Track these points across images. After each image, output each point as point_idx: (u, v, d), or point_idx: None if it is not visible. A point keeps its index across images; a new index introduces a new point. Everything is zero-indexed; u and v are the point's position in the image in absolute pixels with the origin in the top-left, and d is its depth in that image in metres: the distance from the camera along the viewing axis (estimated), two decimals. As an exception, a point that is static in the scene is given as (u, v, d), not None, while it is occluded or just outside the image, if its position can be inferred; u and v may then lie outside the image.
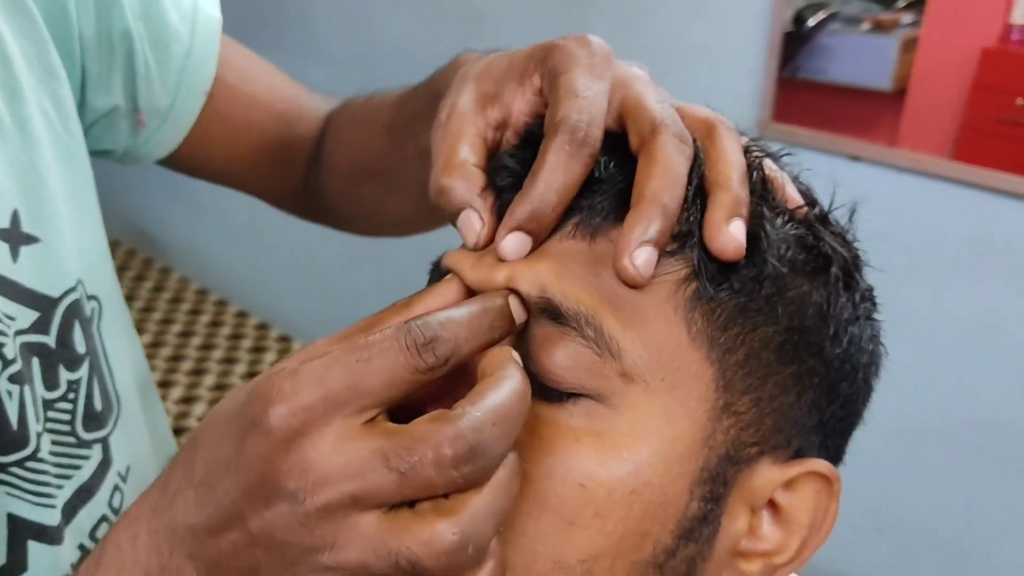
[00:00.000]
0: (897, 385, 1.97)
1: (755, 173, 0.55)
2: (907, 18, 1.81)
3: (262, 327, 3.88)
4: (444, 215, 0.56)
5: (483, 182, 0.55)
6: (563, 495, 0.50)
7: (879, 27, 1.85)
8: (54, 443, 0.71)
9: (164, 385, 3.46)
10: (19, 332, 0.68)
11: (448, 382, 0.49)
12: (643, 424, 0.51)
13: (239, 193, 0.99)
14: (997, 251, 1.83)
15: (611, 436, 0.51)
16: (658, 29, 2.16)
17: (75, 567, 0.57)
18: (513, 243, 0.52)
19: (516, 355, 0.46)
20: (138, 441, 0.83)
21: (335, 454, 0.42)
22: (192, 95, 0.85)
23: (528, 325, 0.52)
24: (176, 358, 3.68)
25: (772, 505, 0.56)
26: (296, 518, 0.42)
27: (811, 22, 1.92)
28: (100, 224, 0.79)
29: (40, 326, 0.70)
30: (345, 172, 0.92)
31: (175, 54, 0.83)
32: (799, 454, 0.56)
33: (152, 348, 3.69)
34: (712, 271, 0.52)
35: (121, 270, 4.20)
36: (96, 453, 0.76)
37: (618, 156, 0.53)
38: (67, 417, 0.73)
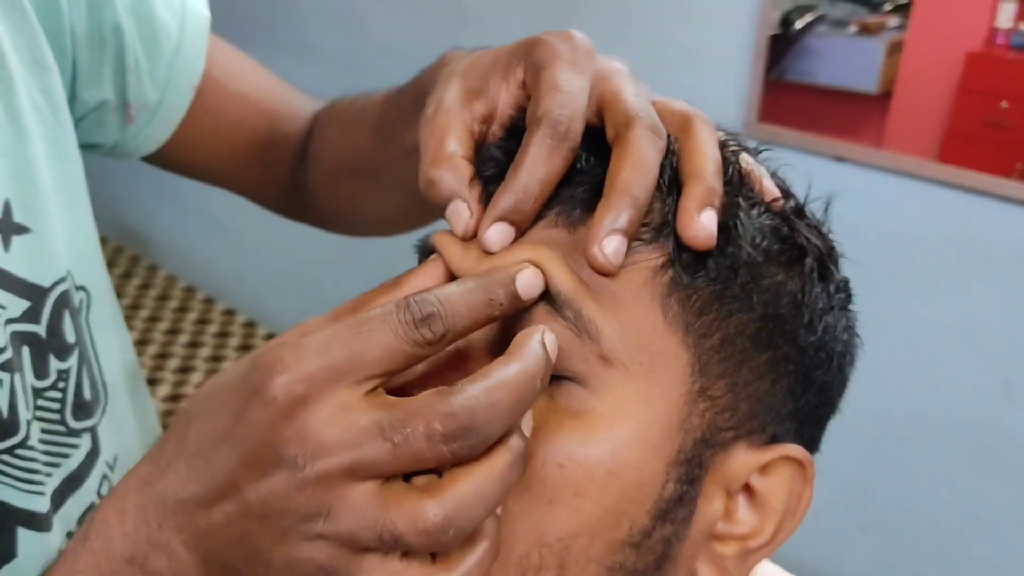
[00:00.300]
0: (881, 384, 1.99)
1: (731, 166, 0.56)
2: (893, 21, 1.81)
3: (249, 325, 3.88)
4: (433, 206, 0.57)
5: (471, 173, 0.56)
6: (543, 475, 0.51)
7: (866, 30, 1.86)
8: (44, 431, 0.72)
9: (151, 382, 3.45)
10: (10, 321, 0.69)
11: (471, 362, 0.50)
12: (622, 406, 0.52)
13: (226, 191, 1.00)
14: (981, 252, 1.84)
15: (590, 417, 0.52)
16: (646, 30, 2.17)
17: None
18: (496, 233, 0.53)
19: (544, 336, 0.46)
20: (125, 431, 0.84)
21: (334, 423, 0.42)
22: (181, 91, 0.86)
23: (518, 315, 0.53)
24: (163, 355, 3.68)
25: (748, 489, 0.57)
26: (294, 485, 0.42)
27: (798, 24, 1.93)
28: (90, 216, 0.79)
29: (31, 315, 0.70)
30: (331, 171, 0.92)
31: (165, 49, 0.83)
32: (774, 440, 0.57)
33: (139, 345, 3.68)
34: (687, 259, 0.53)
35: (108, 267, 4.17)
36: (85, 442, 0.76)
37: (598, 149, 0.54)
38: (57, 406, 0.73)
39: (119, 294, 3.93)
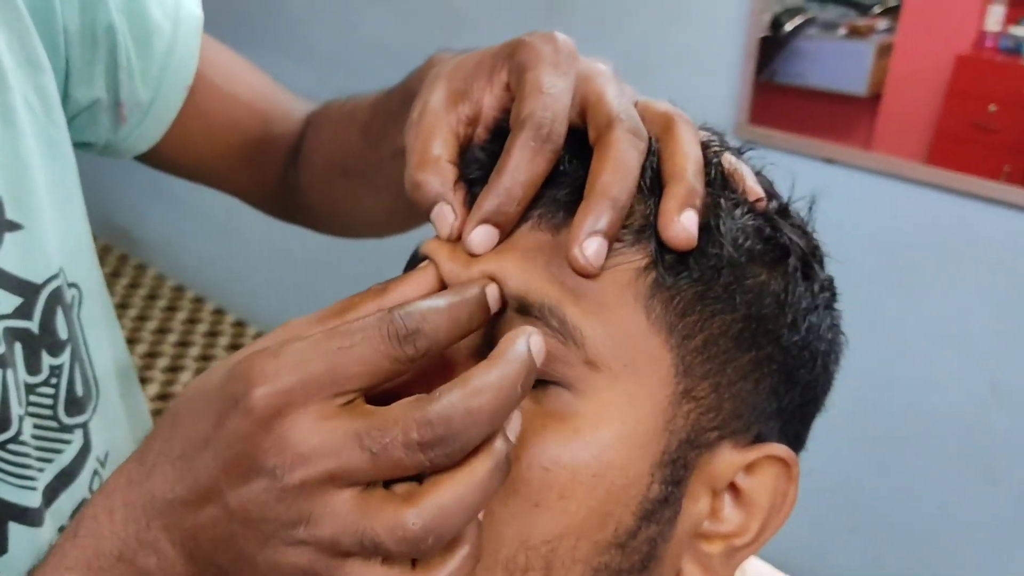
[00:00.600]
0: (870, 385, 2.00)
1: (713, 167, 0.57)
2: (883, 24, 1.82)
3: (239, 324, 3.87)
4: (419, 209, 0.57)
5: (456, 176, 0.56)
6: (529, 478, 0.52)
7: (855, 33, 1.87)
8: (36, 427, 0.73)
9: (140, 382, 3.42)
10: (2, 317, 0.69)
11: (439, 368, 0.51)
12: (607, 408, 0.53)
13: (217, 191, 1.00)
14: (969, 254, 1.85)
15: (575, 421, 0.52)
16: (637, 32, 2.18)
17: None
18: (480, 236, 0.54)
19: (531, 339, 0.46)
20: (117, 428, 0.84)
21: (313, 433, 0.43)
22: (174, 90, 0.86)
23: (500, 319, 0.53)
24: (152, 355, 3.67)
25: (733, 488, 0.58)
26: (273, 494, 0.43)
27: (788, 27, 1.93)
28: (83, 213, 0.80)
29: (23, 311, 0.71)
30: (323, 172, 0.93)
31: (157, 49, 0.84)
32: (759, 439, 0.58)
33: (128, 344, 3.63)
34: (670, 260, 0.53)
35: (98, 266, 4.16)
36: (77, 438, 0.77)
37: (581, 150, 0.55)
38: (49, 402, 0.74)
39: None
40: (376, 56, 2.73)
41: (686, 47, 2.10)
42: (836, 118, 1.94)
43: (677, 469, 0.55)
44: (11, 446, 0.69)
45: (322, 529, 0.43)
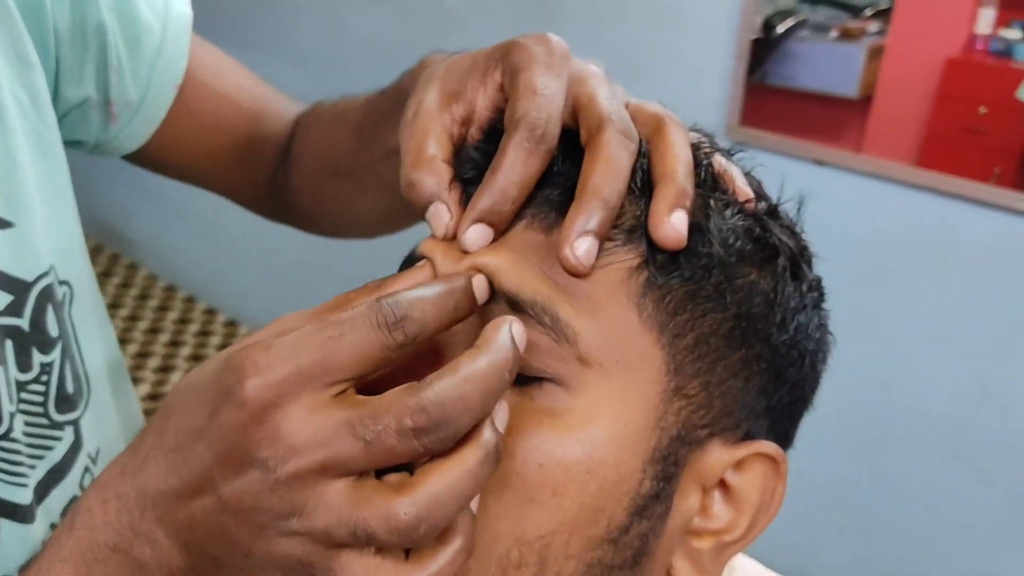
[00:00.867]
0: (859, 386, 2.00)
1: (704, 168, 0.57)
2: (874, 27, 1.83)
3: (230, 324, 3.87)
4: (414, 208, 0.57)
5: (450, 175, 0.57)
6: (523, 474, 0.52)
7: (846, 35, 1.88)
8: (27, 424, 0.73)
9: (132, 381, 3.43)
10: None
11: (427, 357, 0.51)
12: (599, 405, 0.53)
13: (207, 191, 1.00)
14: (958, 256, 1.86)
15: (568, 417, 0.53)
16: (628, 33, 2.18)
17: None
18: (475, 234, 0.54)
19: (512, 326, 0.47)
20: (108, 424, 0.84)
21: (305, 424, 0.43)
22: (163, 89, 0.86)
23: (492, 315, 0.54)
24: (144, 355, 3.67)
25: (723, 485, 0.58)
26: (267, 485, 0.43)
27: (780, 29, 1.94)
28: (74, 211, 0.80)
29: (14, 309, 0.71)
30: (313, 172, 0.93)
31: (147, 48, 0.84)
32: (748, 436, 0.58)
33: (120, 344, 3.65)
34: (661, 260, 0.54)
35: (90, 266, 4.15)
36: (68, 435, 0.77)
37: (574, 151, 0.55)
38: (40, 399, 0.74)
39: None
40: (367, 57, 2.73)
41: (678, 48, 2.10)
42: (827, 120, 1.95)
43: (668, 466, 0.55)
44: (2, 443, 0.69)
45: (315, 520, 0.43)
